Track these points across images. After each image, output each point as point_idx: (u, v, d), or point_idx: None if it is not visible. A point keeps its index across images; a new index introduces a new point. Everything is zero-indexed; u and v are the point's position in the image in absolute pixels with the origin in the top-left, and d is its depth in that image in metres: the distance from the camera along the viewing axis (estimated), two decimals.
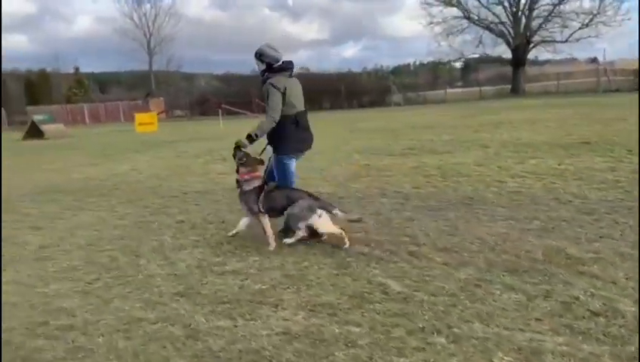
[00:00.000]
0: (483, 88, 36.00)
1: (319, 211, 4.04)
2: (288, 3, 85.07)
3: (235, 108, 37.26)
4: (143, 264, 3.94)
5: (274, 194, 4.19)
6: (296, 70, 4.57)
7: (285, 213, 4.12)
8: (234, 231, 4.46)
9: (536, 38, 34.14)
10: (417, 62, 47.03)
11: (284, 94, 4.14)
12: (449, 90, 37.81)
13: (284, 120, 4.20)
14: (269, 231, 4.16)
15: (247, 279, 3.46)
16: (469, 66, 50.79)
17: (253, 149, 4.35)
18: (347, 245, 3.98)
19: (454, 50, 36.40)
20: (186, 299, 3.19)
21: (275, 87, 4.11)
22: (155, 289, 3.37)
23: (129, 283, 3.53)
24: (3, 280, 3.75)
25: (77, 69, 50.63)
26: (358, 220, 4.38)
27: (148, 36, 49.92)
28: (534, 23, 33.67)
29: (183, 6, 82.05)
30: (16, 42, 77.37)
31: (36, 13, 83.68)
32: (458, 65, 50.57)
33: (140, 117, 25.83)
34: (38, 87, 49.24)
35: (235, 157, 4.31)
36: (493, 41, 36.04)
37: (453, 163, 7.76)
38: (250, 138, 4.21)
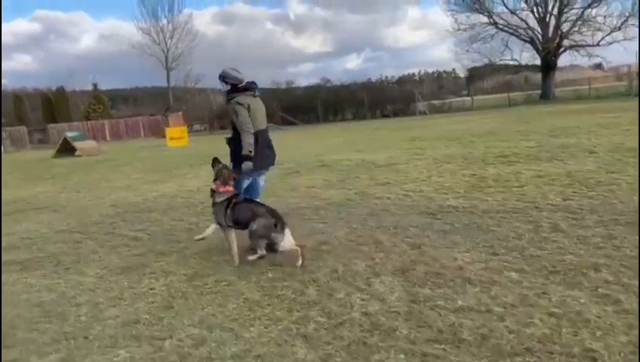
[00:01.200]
0: (512, 94, 35.30)
1: (278, 229, 4.07)
2: (290, 17, 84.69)
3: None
4: (342, 298, 3.30)
5: (240, 207, 4.30)
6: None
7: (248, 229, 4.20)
8: (200, 236, 4.49)
9: (566, 42, 33.49)
10: (422, 72, 46.70)
11: (247, 111, 4.41)
12: (476, 98, 37.16)
13: None
14: (234, 249, 4.22)
15: (504, 319, 2.80)
16: (474, 75, 50.27)
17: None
18: (300, 263, 3.95)
19: (482, 57, 35.78)
20: (466, 349, 2.53)
21: (240, 104, 4.41)
22: (397, 334, 2.73)
23: (350, 325, 2.89)
24: (187, 323, 3.12)
25: (95, 85, 50.59)
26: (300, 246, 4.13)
27: (165, 51, 49.71)
28: (564, 27, 33.03)
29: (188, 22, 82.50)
30: (20, 62, 77.90)
31: (40, 33, 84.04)
32: (462, 74, 50.01)
33: (171, 131, 25.44)
34: (55, 104, 49.18)
35: (213, 167, 4.50)
36: (519, 47, 35.48)
37: (575, 170, 7.09)
38: (249, 157, 4.47)
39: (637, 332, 2.53)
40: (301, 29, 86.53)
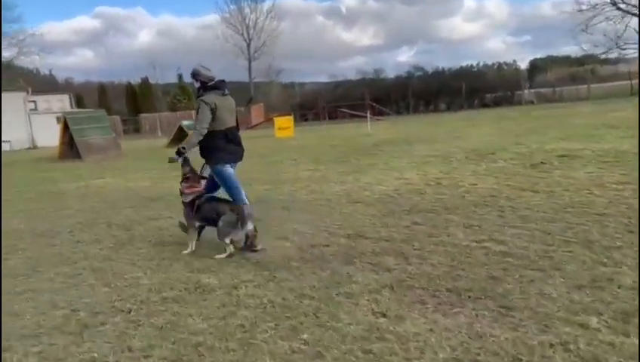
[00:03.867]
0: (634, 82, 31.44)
1: (238, 229, 4.29)
2: (342, 10, 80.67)
3: (353, 111, 35.24)
4: None
5: (204, 207, 4.56)
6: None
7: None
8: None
9: None
10: (481, 64, 42.84)
11: (213, 110, 4.39)
12: (592, 86, 33.59)
13: (215, 134, 4.47)
14: (191, 245, 4.59)
15: None
16: (536, 67, 46.05)
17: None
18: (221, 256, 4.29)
19: (609, 41, 31.88)
20: None
21: (205, 102, 4.40)
22: None
23: None
24: None
25: (180, 76, 50.72)
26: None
27: (247, 41, 48.97)
28: None
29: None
30: (82, 57, 79.94)
31: (101, 29, 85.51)
32: (524, 66, 45.65)
33: (279, 121, 24.19)
34: (140, 95, 49.80)
35: (169, 162, 4.85)
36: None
37: None
38: (180, 152, 4.57)
39: None
40: (352, 21, 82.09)
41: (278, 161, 11.84)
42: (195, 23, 60.67)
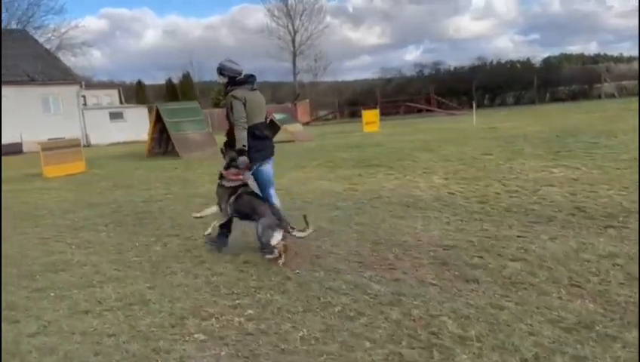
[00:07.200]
0: None
1: (279, 230, 4.14)
2: (348, 9, 77.31)
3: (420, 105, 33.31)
4: None
5: (243, 199, 4.37)
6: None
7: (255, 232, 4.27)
8: (199, 215, 4.67)
9: None
10: (494, 62, 40.70)
11: (244, 105, 4.29)
12: None
13: None
14: (212, 227, 4.62)
15: None
16: (550, 65, 43.78)
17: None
18: (281, 262, 4.09)
19: None
20: None
21: (235, 97, 4.29)
22: None
23: None
24: None
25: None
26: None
27: (292, 34, 47.07)
28: None
29: (243, 17, 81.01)
30: (91, 57, 78.28)
31: (108, 29, 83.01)
32: (537, 63, 43.50)
33: (366, 115, 22.29)
34: (181, 91, 48.18)
35: (223, 155, 4.56)
36: None
37: None
38: (243, 151, 4.31)
39: None
40: (359, 20, 78.44)
41: (468, 157, 9.85)
42: (219, 20, 58.42)
